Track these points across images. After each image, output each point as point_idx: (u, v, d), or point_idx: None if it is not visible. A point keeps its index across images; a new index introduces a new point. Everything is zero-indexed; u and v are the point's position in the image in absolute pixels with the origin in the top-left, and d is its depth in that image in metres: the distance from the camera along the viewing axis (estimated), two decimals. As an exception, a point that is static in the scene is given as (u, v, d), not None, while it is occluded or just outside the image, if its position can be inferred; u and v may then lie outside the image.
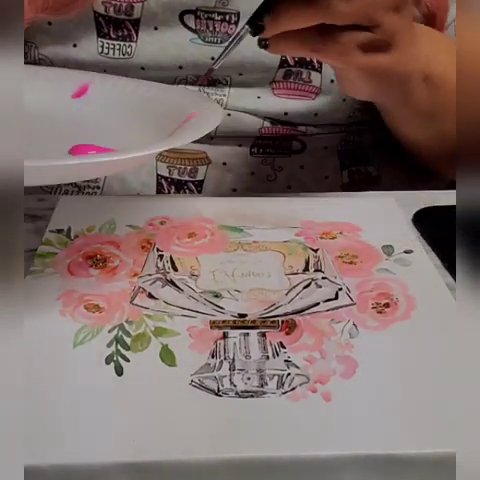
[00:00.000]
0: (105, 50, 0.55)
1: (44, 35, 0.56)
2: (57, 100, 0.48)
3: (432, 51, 0.54)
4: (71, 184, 0.58)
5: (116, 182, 0.58)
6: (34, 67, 0.54)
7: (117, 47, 0.55)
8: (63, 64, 0.56)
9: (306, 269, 0.42)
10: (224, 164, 0.58)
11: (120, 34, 0.55)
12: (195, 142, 0.58)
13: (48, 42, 0.56)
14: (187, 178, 0.58)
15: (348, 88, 0.52)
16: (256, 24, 0.45)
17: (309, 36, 0.45)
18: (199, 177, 0.58)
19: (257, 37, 0.46)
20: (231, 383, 0.32)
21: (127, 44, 0.55)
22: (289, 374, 0.33)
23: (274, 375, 0.33)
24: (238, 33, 0.45)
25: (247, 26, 0.45)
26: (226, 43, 0.46)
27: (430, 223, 0.48)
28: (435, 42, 0.55)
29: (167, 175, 0.58)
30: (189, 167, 0.58)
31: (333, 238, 0.46)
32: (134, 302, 0.38)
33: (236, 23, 0.56)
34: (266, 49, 0.46)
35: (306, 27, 0.44)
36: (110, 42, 0.55)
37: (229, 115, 0.58)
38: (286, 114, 0.58)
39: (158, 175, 0.58)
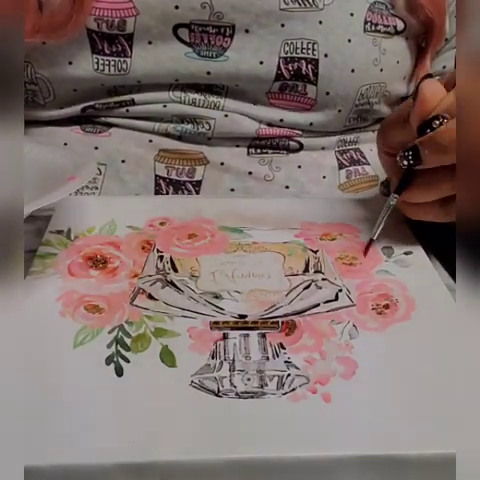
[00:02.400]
0: (101, 67, 0.55)
1: (39, 54, 0.55)
2: None
3: None
4: None
5: (114, 183, 0.58)
6: None
7: (112, 63, 0.55)
8: (61, 82, 0.56)
9: (306, 270, 0.42)
10: (222, 164, 0.59)
11: (114, 50, 0.55)
12: (193, 143, 0.59)
13: (44, 61, 0.55)
14: (185, 178, 0.58)
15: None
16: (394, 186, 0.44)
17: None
18: (197, 177, 0.58)
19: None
20: (231, 384, 0.32)
21: (122, 60, 0.55)
22: (289, 375, 0.33)
23: (274, 376, 0.33)
24: (390, 204, 0.44)
25: (396, 196, 0.44)
26: (382, 213, 0.45)
27: (430, 224, 0.48)
28: None
29: (165, 175, 0.58)
30: (187, 167, 0.58)
31: (333, 239, 0.46)
32: (134, 303, 0.38)
33: (231, 36, 0.55)
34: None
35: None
36: (105, 58, 0.55)
37: (226, 116, 0.58)
38: (282, 121, 0.59)
39: (156, 175, 0.58)
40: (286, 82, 0.57)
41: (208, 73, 0.56)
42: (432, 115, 0.41)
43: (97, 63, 0.55)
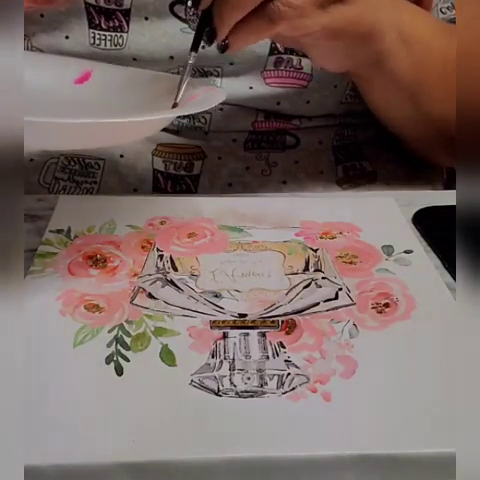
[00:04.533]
0: (97, 41, 0.56)
1: (36, 27, 0.56)
2: (60, 85, 0.49)
3: (402, 8, 0.53)
4: (69, 179, 0.58)
5: (113, 177, 0.58)
6: (38, 54, 0.56)
7: (108, 38, 0.56)
8: None
9: (306, 269, 0.42)
10: (219, 159, 0.59)
11: (111, 25, 0.56)
12: (190, 137, 0.59)
13: (40, 34, 0.56)
14: (183, 173, 0.59)
15: (321, 60, 0.52)
16: (207, 33, 0.46)
17: (262, 15, 0.44)
18: (195, 172, 0.59)
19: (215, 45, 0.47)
20: (231, 383, 0.32)
21: (118, 35, 0.56)
22: (289, 374, 0.33)
23: (274, 375, 0.33)
24: (189, 64, 0.46)
25: (193, 53, 0.46)
26: (183, 76, 0.46)
27: (430, 223, 0.48)
28: (404, 3, 0.54)
29: (163, 170, 0.59)
30: (185, 162, 0.59)
31: (333, 238, 0.46)
32: (134, 302, 0.38)
33: None
34: (227, 49, 0.46)
35: (256, 9, 0.44)
36: (101, 33, 0.56)
37: (221, 110, 0.58)
38: (278, 104, 0.59)
39: (154, 170, 0.58)
40: (281, 56, 0.57)
41: (203, 47, 0.56)
42: None
43: (93, 38, 0.56)
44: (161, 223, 0.47)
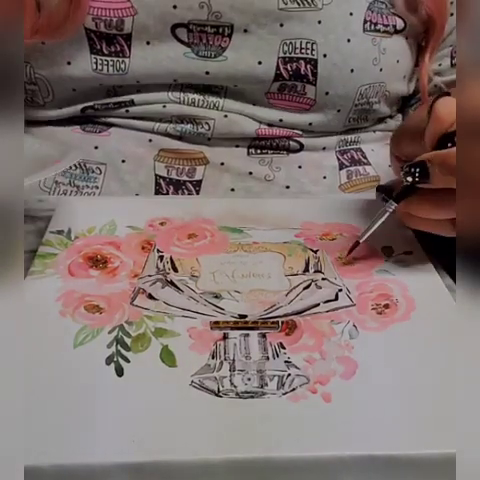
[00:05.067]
0: (99, 67, 0.55)
1: (38, 54, 0.55)
2: None
3: None
4: (70, 184, 0.58)
5: (114, 182, 0.58)
6: None
7: (111, 63, 0.55)
8: (60, 82, 0.56)
9: (306, 270, 0.42)
10: (222, 164, 0.59)
11: (113, 50, 0.55)
12: (193, 143, 0.59)
13: (43, 61, 0.56)
14: (185, 178, 0.59)
15: None
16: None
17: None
18: (197, 177, 0.59)
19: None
20: (231, 384, 0.32)
21: (120, 60, 0.55)
22: (289, 375, 0.33)
23: (274, 376, 0.33)
24: (385, 210, 0.42)
25: (394, 204, 0.41)
26: (375, 218, 0.42)
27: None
28: None
29: (165, 175, 0.58)
30: (187, 167, 0.59)
31: (333, 239, 0.46)
32: (134, 303, 0.38)
33: (229, 36, 0.55)
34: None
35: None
36: (103, 58, 0.55)
37: (226, 117, 0.58)
38: (281, 121, 0.59)
39: (156, 175, 0.58)
40: (285, 82, 0.57)
41: (207, 73, 0.56)
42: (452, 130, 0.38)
43: (96, 63, 0.55)
44: (161, 224, 0.47)
